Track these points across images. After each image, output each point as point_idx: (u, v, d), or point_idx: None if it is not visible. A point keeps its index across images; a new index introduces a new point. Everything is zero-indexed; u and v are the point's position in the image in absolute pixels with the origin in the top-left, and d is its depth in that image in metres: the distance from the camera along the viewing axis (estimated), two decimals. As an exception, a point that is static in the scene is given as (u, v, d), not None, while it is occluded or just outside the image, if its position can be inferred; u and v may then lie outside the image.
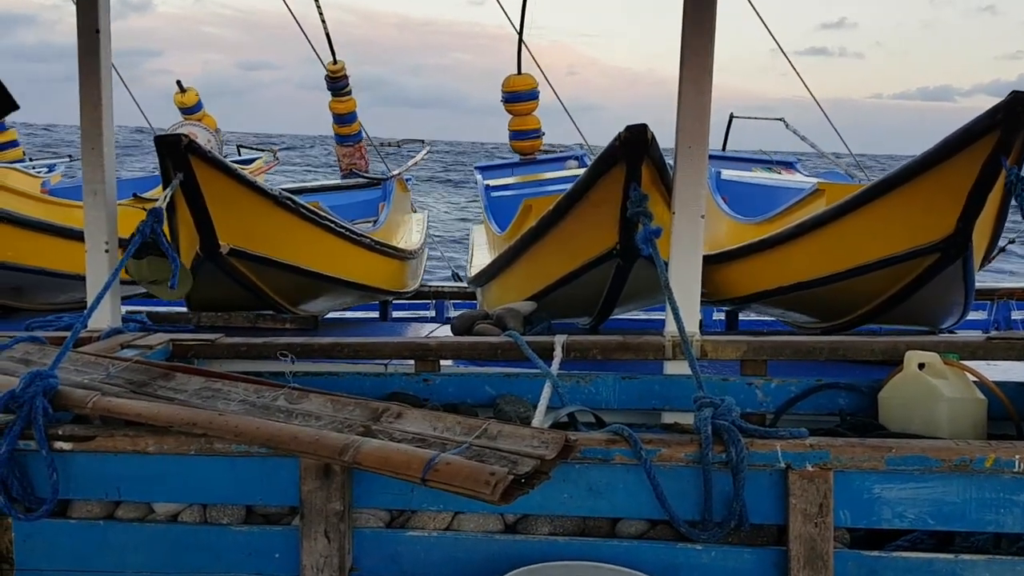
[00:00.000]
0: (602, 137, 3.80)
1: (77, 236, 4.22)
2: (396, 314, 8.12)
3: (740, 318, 6.35)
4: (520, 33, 8.68)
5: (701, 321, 6.90)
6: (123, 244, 3.59)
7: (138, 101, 10.10)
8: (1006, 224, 4.03)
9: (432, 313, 8.37)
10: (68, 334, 3.03)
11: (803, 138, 8.73)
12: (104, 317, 3.91)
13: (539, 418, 2.77)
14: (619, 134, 3.66)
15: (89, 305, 3.29)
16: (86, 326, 3.17)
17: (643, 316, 6.26)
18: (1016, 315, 7.51)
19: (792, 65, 7.78)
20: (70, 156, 11.59)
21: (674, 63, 3.42)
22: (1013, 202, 3.36)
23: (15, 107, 3.54)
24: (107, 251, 3.97)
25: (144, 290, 3.89)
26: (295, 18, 8.69)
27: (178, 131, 11.11)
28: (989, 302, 7.55)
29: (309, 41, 9.13)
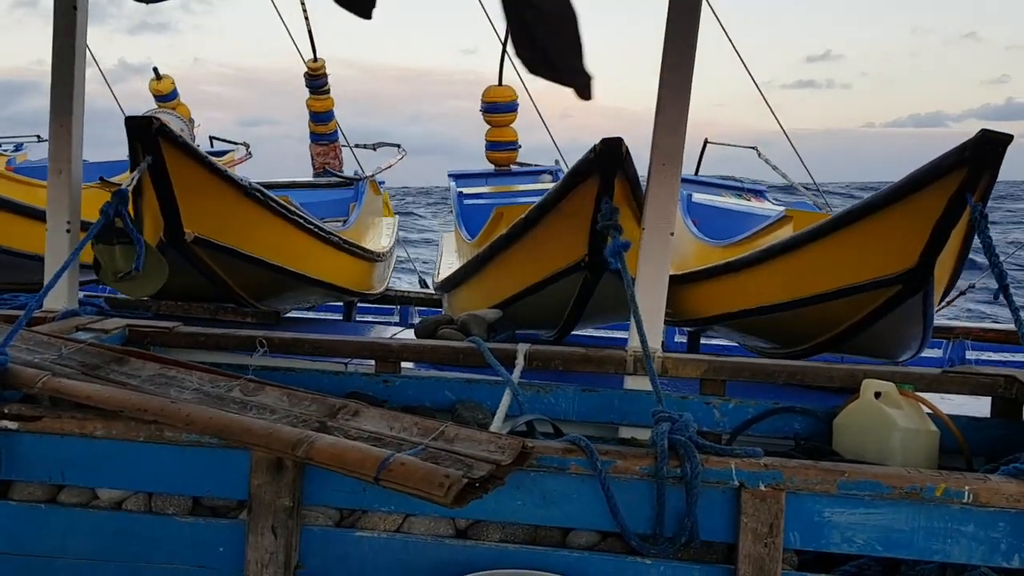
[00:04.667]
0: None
1: (41, 216, 4.14)
2: (360, 317, 8.06)
3: (702, 342, 6.38)
4: (504, 44, 8.66)
5: (664, 341, 6.90)
6: (88, 228, 3.53)
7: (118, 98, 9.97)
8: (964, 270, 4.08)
9: (396, 318, 8.33)
10: (22, 313, 2.97)
11: (775, 168, 8.80)
12: (61, 298, 3.85)
13: (497, 424, 2.76)
14: (594, 146, 3.66)
15: (45, 284, 3.22)
16: (41, 306, 3.11)
17: (604, 334, 6.28)
18: (971, 355, 7.62)
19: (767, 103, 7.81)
20: (38, 136, 11.37)
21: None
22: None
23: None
24: (68, 231, 3.90)
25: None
26: (280, 16, 8.66)
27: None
28: (946, 340, 7.66)
29: (292, 39, 9.09)
